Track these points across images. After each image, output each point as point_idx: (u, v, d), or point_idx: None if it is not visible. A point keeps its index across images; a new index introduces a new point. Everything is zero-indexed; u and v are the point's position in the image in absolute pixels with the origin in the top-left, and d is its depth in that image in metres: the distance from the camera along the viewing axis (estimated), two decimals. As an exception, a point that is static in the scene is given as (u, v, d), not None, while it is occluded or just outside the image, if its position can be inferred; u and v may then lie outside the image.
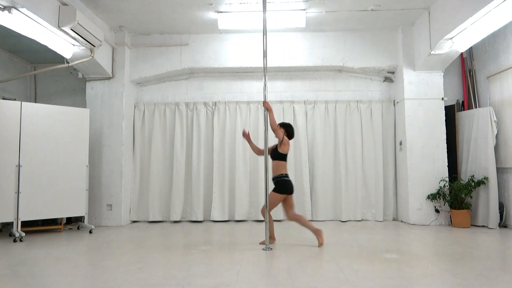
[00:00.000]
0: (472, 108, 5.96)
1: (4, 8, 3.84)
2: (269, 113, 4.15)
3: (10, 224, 5.22)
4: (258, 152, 4.53)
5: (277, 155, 4.21)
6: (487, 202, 5.34)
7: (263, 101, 4.18)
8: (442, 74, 5.86)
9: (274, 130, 4.15)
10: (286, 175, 4.22)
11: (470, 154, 5.68)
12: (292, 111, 6.26)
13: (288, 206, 4.24)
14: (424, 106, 5.80)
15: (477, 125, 5.59)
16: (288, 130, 4.34)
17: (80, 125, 5.40)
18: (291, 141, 6.23)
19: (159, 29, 6.05)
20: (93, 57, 5.30)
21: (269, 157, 4.22)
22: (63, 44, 4.92)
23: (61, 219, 5.39)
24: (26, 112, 4.96)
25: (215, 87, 6.52)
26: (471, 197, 5.46)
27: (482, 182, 5.33)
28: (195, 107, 6.35)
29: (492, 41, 5.64)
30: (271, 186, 5.98)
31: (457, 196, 5.38)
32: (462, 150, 5.84)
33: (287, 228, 5.43)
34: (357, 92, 6.42)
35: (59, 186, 5.13)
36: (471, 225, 5.48)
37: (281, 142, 4.17)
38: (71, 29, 4.55)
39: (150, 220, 6.14)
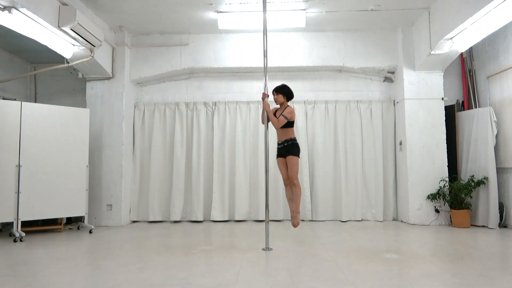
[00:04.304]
0: (472, 108, 5.97)
1: (4, 8, 3.84)
2: (268, 114, 4.17)
3: (10, 224, 5.22)
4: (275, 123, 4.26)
5: (286, 123, 4.20)
6: (487, 202, 5.34)
7: (263, 93, 4.22)
8: (442, 74, 5.86)
9: (279, 123, 4.14)
10: (295, 139, 4.28)
11: (470, 154, 5.68)
12: (292, 111, 6.26)
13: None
14: (424, 106, 5.80)
15: (477, 125, 5.59)
16: (288, 95, 4.34)
17: (80, 125, 5.40)
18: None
19: (159, 29, 6.05)
20: (93, 57, 5.30)
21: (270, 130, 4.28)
22: (63, 44, 4.92)
23: (61, 219, 5.39)
24: (26, 112, 4.95)
25: (215, 87, 6.52)
26: (471, 197, 5.46)
27: (482, 182, 5.33)
28: (195, 107, 6.35)
29: (492, 41, 5.64)
30: (272, 185, 6.01)
31: (457, 196, 5.38)
32: (462, 150, 5.84)
33: (287, 228, 5.43)
34: (357, 92, 6.42)
35: (59, 186, 5.13)
36: (471, 225, 5.48)
37: (289, 119, 4.16)
38: (71, 29, 4.55)
39: (150, 220, 6.13)
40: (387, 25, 5.95)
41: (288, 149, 4.20)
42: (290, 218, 4.36)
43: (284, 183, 4.34)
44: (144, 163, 6.31)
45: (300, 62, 6.17)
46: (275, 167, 6.17)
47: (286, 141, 4.22)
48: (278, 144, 4.29)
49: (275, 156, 4.38)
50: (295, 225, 4.19)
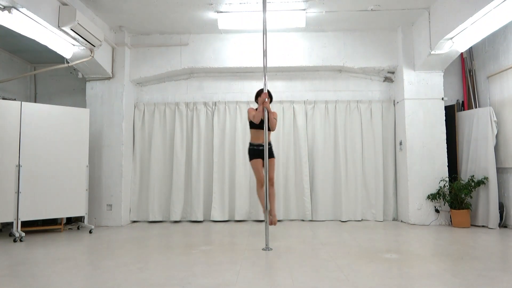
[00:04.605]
0: (472, 108, 5.96)
1: (4, 8, 3.84)
2: (269, 115, 4.18)
3: (10, 224, 5.22)
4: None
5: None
6: (487, 202, 5.34)
7: (263, 93, 4.21)
8: (442, 74, 5.86)
9: (274, 125, 4.32)
10: None
11: (470, 154, 5.68)
12: (292, 111, 6.26)
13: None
14: (424, 106, 5.80)
15: (477, 125, 5.59)
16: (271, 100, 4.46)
17: (80, 125, 5.40)
18: (291, 142, 6.27)
19: (159, 29, 6.05)
20: (93, 57, 5.30)
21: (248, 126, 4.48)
22: (63, 44, 4.92)
23: (61, 219, 5.39)
24: (26, 112, 4.95)
25: (215, 87, 6.52)
26: (471, 197, 5.45)
27: (482, 182, 5.33)
28: (195, 107, 6.35)
29: (492, 41, 5.64)
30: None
31: (457, 196, 5.38)
32: (462, 150, 5.84)
33: (287, 228, 5.44)
34: (357, 92, 6.42)
35: (59, 186, 5.13)
36: (471, 225, 5.48)
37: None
38: (71, 29, 4.55)
39: (150, 220, 6.13)
40: (387, 25, 5.95)
41: (271, 151, 4.38)
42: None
43: (261, 184, 4.36)
44: (144, 163, 6.30)
45: (300, 62, 6.17)
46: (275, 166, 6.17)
47: (269, 143, 4.31)
48: (259, 145, 4.35)
49: (249, 157, 4.50)
50: (275, 223, 4.35)
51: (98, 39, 5.00)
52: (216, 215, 6.07)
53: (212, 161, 6.23)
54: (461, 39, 4.94)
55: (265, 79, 4.23)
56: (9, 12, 3.87)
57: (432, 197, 5.57)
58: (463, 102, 6.21)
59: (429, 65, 5.68)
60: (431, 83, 5.84)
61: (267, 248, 3.97)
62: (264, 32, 4.21)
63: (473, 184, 5.35)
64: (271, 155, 4.34)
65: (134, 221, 6.22)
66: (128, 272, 3.19)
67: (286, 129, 6.26)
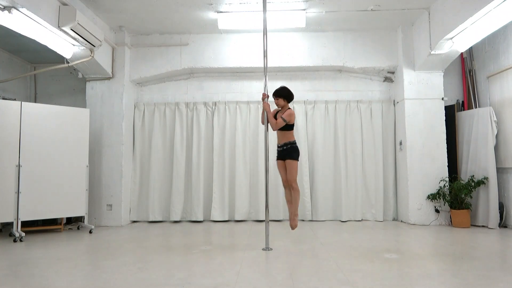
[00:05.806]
0: (472, 108, 5.97)
1: (4, 8, 3.84)
2: (268, 114, 4.14)
3: (10, 224, 5.21)
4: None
5: (286, 126, 4.09)
6: (487, 202, 5.34)
7: (263, 94, 4.18)
8: (442, 74, 5.86)
9: (277, 125, 4.07)
10: (295, 142, 4.18)
11: (470, 154, 5.68)
12: (292, 111, 6.25)
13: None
14: (424, 106, 5.80)
15: (477, 125, 5.59)
16: (288, 98, 4.23)
17: (80, 125, 5.40)
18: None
19: (159, 29, 6.05)
20: (93, 57, 5.30)
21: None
22: (63, 44, 4.92)
23: (61, 219, 5.39)
24: (26, 112, 4.95)
25: (215, 87, 6.52)
26: (471, 197, 5.45)
27: (482, 182, 5.33)
28: (195, 107, 6.35)
29: (492, 41, 5.64)
30: (272, 185, 5.96)
31: (457, 196, 5.38)
32: (462, 150, 5.84)
33: (287, 228, 5.43)
34: (357, 92, 6.42)
35: (59, 186, 5.12)
36: (471, 225, 5.48)
37: (287, 122, 4.07)
38: (71, 29, 4.55)
39: (150, 220, 6.13)
40: (387, 25, 5.95)
41: (287, 152, 4.11)
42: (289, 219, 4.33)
43: (283, 185, 4.30)
44: (144, 163, 6.30)
45: (300, 62, 6.17)
46: (275, 167, 6.17)
47: (285, 144, 4.12)
48: (278, 146, 4.22)
49: (275, 157, 4.38)
50: (293, 227, 4.12)
51: (98, 39, 5.00)
52: (216, 215, 6.07)
53: (212, 161, 6.23)
54: (461, 39, 4.94)
55: (265, 79, 4.24)
56: (9, 12, 3.87)
57: (432, 197, 5.57)
58: (463, 102, 6.21)
59: (429, 65, 5.68)
60: (431, 83, 5.84)
61: (267, 248, 3.97)
62: (264, 32, 4.21)
63: (473, 184, 5.36)
64: (287, 156, 4.10)
65: (134, 221, 6.22)
66: (128, 272, 3.19)
67: (286, 129, 6.26)
